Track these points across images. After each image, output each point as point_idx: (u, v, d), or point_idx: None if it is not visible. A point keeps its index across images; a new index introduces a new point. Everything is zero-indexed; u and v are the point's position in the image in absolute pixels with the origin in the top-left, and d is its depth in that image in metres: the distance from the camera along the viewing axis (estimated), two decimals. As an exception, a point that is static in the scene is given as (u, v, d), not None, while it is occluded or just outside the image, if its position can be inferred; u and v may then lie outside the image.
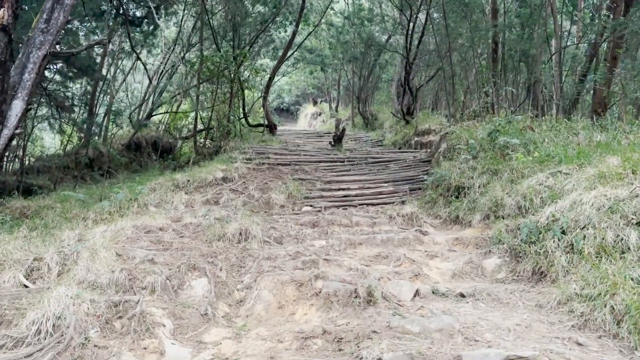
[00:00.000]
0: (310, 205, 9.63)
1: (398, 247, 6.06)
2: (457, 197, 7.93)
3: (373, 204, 9.23)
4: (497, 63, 11.99)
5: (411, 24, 15.97)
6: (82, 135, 18.55)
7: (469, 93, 17.76)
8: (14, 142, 18.79)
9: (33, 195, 12.46)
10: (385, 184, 10.76)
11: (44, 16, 9.73)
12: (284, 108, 32.75)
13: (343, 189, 10.63)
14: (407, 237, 6.23)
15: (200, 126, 17.76)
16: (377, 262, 5.56)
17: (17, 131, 9.68)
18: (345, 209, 8.97)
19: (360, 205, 9.20)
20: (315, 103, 28.66)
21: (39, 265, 5.27)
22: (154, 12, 11.59)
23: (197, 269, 5.37)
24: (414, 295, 4.48)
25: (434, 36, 17.61)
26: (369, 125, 21.32)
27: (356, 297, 4.32)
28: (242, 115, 18.22)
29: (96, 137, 19.84)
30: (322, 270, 5.04)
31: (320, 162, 13.77)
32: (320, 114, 27.15)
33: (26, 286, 5.00)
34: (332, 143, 16.41)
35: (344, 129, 16.41)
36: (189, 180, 11.05)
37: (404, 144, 17.39)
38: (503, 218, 6.89)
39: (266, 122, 19.91)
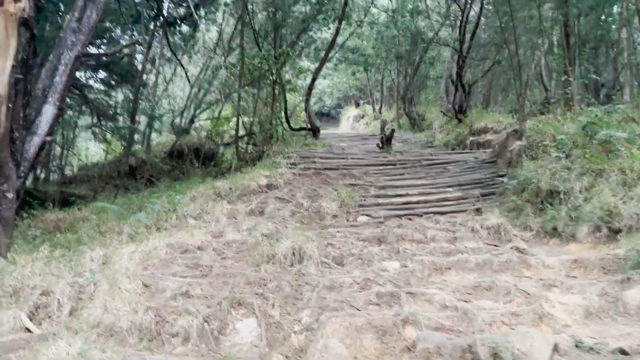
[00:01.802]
0: (367, 215, 8.22)
1: (499, 272, 4.59)
2: (550, 204, 6.37)
3: (441, 213, 7.74)
4: (569, 50, 10.29)
5: (464, 14, 14.35)
6: (124, 143, 17.79)
7: (528, 87, 15.98)
8: (57, 151, 18.25)
9: (71, 206, 11.61)
10: (450, 189, 9.24)
11: (76, 15, 8.72)
12: (325, 112, 31.45)
13: (401, 195, 9.18)
14: (510, 259, 4.73)
15: (242, 131, 16.66)
16: (478, 295, 4.12)
17: (49, 138, 8.70)
18: (410, 219, 7.52)
19: (425, 214, 7.73)
20: (357, 105, 27.22)
21: (48, 300, 4.09)
22: (194, 10, 10.48)
23: (243, 304, 4.06)
24: (552, 352, 3.01)
25: (484, 30, 15.96)
26: (416, 125, 19.71)
27: (473, 359, 2.90)
28: (284, 119, 16.99)
29: (138, 145, 19.13)
30: (408, 309, 3.64)
31: (369, 165, 12.36)
32: (362, 116, 25.71)
33: (29, 330, 3.82)
34: (380, 145, 14.96)
35: (393, 130, 14.94)
36: (231, 188, 9.84)
37: (457, 144, 15.75)
38: (619, 231, 5.31)
39: (309, 126, 18.69)
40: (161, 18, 13.20)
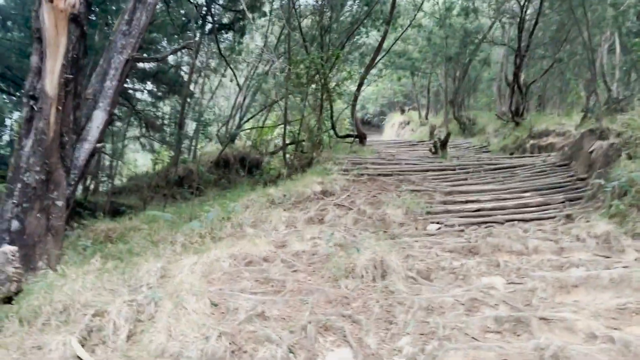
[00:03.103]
0: (437, 222, 7.36)
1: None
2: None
3: (525, 220, 6.79)
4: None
5: (523, 11, 13.30)
6: (172, 153, 17.53)
7: (592, 87, 14.74)
8: (107, 161, 18.16)
9: (121, 216, 11.23)
10: (526, 194, 8.26)
11: (126, 17, 8.29)
12: (367, 120, 30.57)
13: (472, 201, 8.26)
14: None
15: (288, 139, 16.07)
16: (627, 320, 3.22)
17: (99, 145, 8.26)
18: (491, 226, 6.61)
19: (507, 221, 6.79)
20: (402, 111, 26.23)
21: (102, 322, 3.44)
22: (247, 11, 9.93)
23: (331, 329, 3.30)
24: None
25: (541, 28, 14.85)
26: (467, 130, 18.63)
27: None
28: (330, 126, 16.30)
29: (185, 155, 18.86)
30: (545, 340, 2.78)
31: (427, 171, 11.47)
32: (408, 123, 24.71)
33: (81, 359, 3.17)
34: (434, 150, 14.04)
35: (449, 134, 14.02)
36: (285, 195, 9.18)
37: (516, 148, 14.64)
38: None
39: (355, 132, 17.95)
40: (209, 24, 12.74)
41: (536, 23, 13.38)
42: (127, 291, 4.20)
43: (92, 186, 16.83)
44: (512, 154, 14.33)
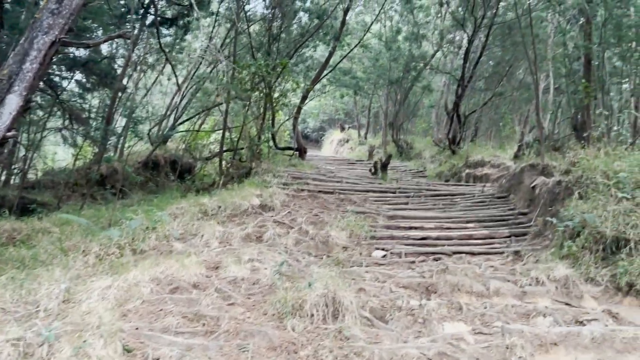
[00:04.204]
0: (383, 249, 6.88)
1: (624, 353, 3.28)
2: (616, 254, 5.19)
3: (472, 253, 6.46)
4: (591, 82, 9.35)
5: (471, 42, 13.42)
6: (96, 150, 15.95)
7: (526, 123, 15.18)
8: (21, 152, 16.20)
9: (30, 215, 9.81)
10: (470, 224, 8.01)
11: (56, -7, 7.22)
12: (306, 134, 30.07)
13: (416, 228, 7.89)
14: (637, 336, 3.40)
15: (225, 146, 15.15)
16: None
17: (10, 133, 7.01)
18: (438, 259, 6.21)
19: (455, 253, 6.43)
20: (342, 129, 26.01)
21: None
22: (193, 4, 9.03)
23: (277, 391, 2.60)
24: None
25: (484, 61, 15.12)
26: (404, 154, 18.64)
27: None
28: (270, 137, 15.60)
29: (111, 153, 17.27)
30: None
31: (367, 191, 11.10)
32: (347, 141, 24.50)
33: None
34: (373, 171, 13.75)
35: (390, 155, 13.78)
36: (219, 207, 8.35)
37: (451, 176, 14.69)
38: None
39: (295, 145, 17.39)
40: (150, 16, 11.67)
41: (480, 55, 13.56)
42: (17, 323, 3.25)
43: (2, 177, 14.90)
44: (447, 180, 14.36)
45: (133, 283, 4.11)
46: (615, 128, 9.54)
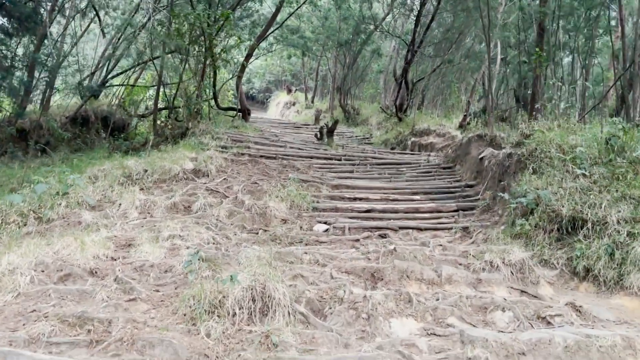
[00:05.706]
0: (325, 222, 6.21)
1: None
2: (571, 234, 4.78)
3: (419, 229, 5.93)
4: (543, 52, 8.93)
5: (422, 6, 12.67)
6: (16, 101, 14.09)
7: (473, 93, 14.82)
8: None
9: None
10: (416, 197, 7.49)
11: None
12: (252, 95, 28.58)
13: (361, 199, 7.28)
14: (615, 343, 2.85)
15: (161, 103, 13.79)
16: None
17: None
18: (385, 235, 5.62)
19: (401, 228, 5.87)
20: (289, 91, 24.84)
21: None
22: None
23: None
24: None
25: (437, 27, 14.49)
26: (351, 119, 17.97)
27: None
28: (211, 95, 14.37)
29: (34, 106, 15.40)
30: None
31: (312, 157, 10.40)
32: (294, 104, 23.43)
33: None
34: (319, 136, 12.99)
35: (336, 121, 13.02)
36: (146, 171, 7.33)
37: (397, 143, 14.22)
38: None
39: (239, 106, 16.24)
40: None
41: (432, 19, 12.88)
42: None
43: None
44: (393, 148, 13.88)
45: (9, 268, 3.18)
46: (567, 99, 9.22)
